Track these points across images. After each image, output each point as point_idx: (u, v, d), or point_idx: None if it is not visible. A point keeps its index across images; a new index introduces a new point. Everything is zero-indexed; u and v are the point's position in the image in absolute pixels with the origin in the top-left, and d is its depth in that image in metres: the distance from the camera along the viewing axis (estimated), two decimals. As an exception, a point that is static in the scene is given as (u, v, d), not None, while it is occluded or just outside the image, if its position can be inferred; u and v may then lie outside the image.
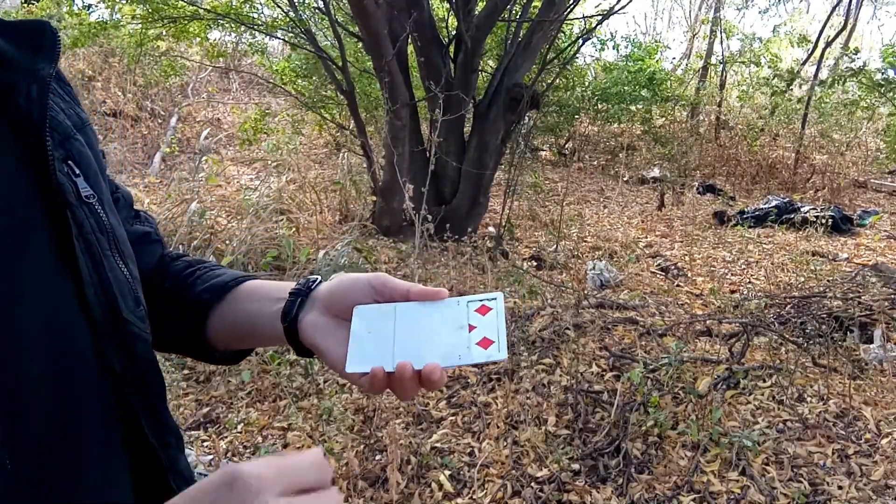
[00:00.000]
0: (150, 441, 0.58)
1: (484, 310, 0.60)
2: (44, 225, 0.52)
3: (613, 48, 10.27)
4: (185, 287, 0.74)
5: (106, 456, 0.54)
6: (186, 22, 6.45)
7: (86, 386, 0.52)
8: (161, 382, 0.62)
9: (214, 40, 9.31)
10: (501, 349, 0.58)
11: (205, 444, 2.63)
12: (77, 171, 0.55)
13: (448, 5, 6.37)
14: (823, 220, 6.15)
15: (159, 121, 8.97)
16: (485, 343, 0.58)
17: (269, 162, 7.25)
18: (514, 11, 5.93)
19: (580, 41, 7.21)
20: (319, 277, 0.69)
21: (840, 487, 2.33)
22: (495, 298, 0.60)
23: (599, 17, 6.40)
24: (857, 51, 9.40)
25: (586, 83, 10.06)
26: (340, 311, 0.63)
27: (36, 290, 0.49)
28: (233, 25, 6.92)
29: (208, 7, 6.43)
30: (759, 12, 17.42)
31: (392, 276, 0.63)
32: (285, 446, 2.63)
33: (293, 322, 0.65)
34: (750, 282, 4.83)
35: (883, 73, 8.56)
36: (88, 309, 0.53)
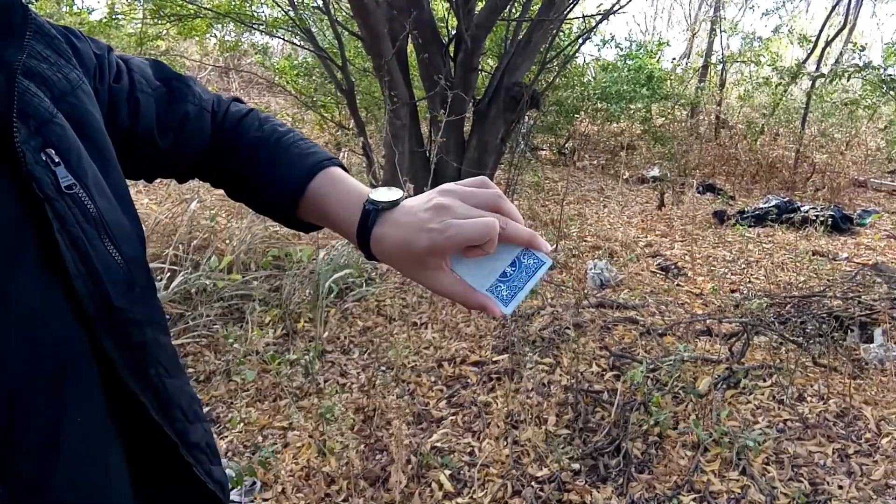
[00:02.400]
0: (155, 420, 0.58)
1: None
2: (26, 221, 0.50)
3: (615, 46, 10.28)
4: (259, 176, 0.72)
5: (101, 444, 0.54)
6: (190, 20, 6.46)
7: (78, 380, 0.52)
8: (161, 360, 0.61)
9: (220, 36, 9.33)
10: (510, 305, 0.60)
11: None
12: (56, 160, 0.53)
13: (448, 4, 6.37)
14: (823, 220, 6.15)
15: (159, 120, 8.96)
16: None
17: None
18: (513, 11, 5.92)
19: (580, 40, 7.21)
20: (370, 252, 0.65)
21: (840, 487, 2.33)
22: (545, 263, 0.62)
23: (599, 17, 6.39)
24: (863, 47, 9.38)
25: (585, 82, 10.06)
26: None
27: (23, 289, 0.49)
28: (233, 24, 6.93)
29: (209, 6, 6.44)
30: (763, 14, 17.41)
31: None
32: (285, 446, 2.63)
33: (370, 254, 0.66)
34: (750, 281, 4.83)
35: (885, 71, 8.55)
36: (79, 302, 0.52)
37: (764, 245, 5.87)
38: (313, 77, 7.90)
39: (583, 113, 9.98)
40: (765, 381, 3.04)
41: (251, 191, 0.74)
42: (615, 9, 5.85)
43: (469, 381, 3.15)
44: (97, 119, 0.61)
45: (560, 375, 3.10)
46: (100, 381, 0.54)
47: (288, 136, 0.74)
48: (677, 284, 4.67)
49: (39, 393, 0.49)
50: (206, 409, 2.92)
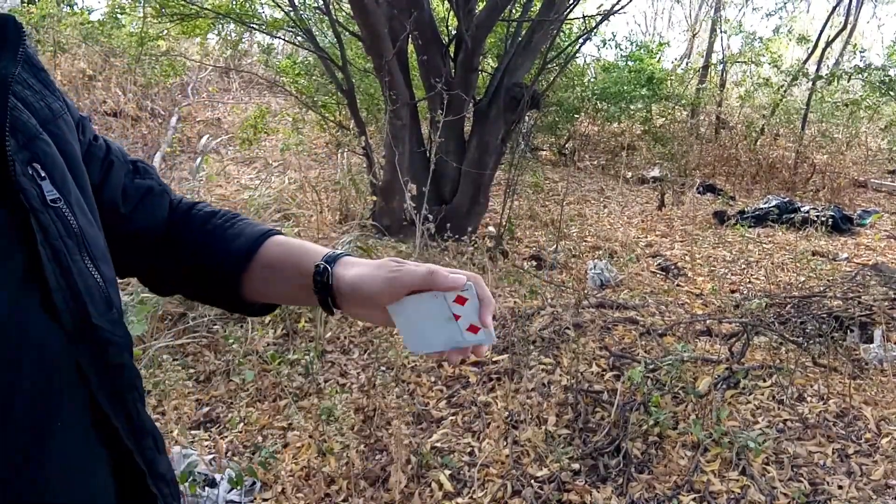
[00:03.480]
0: (126, 445, 0.57)
1: (461, 300, 0.64)
2: (9, 232, 0.51)
3: (616, 47, 10.27)
4: (213, 241, 0.76)
5: (83, 462, 0.54)
6: (192, 19, 6.45)
7: (59, 394, 0.52)
8: (137, 386, 0.61)
9: (223, 34, 9.33)
10: (489, 333, 0.64)
11: (206, 443, 2.63)
12: (42, 174, 0.54)
13: (448, 4, 6.37)
14: (823, 220, 6.15)
15: (159, 120, 8.96)
16: (473, 329, 0.64)
17: (271, 162, 7.25)
18: (514, 11, 5.92)
19: (580, 41, 7.20)
20: (329, 269, 0.71)
21: (840, 487, 2.33)
22: (467, 289, 0.64)
23: (599, 17, 6.38)
24: (863, 49, 9.41)
25: (586, 82, 10.05)
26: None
27: (3, 299, 0.49)
28: (234, 25, 6.93)
29: (210, 6, 6.44)
30: (766, 15, 17.37)
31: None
32: (285, 446, 2.63)
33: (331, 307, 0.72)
34: (750, 281, 4.83)
35: (885, 73, 8.55)
36: (57, 316, 0.52)
37: (764, 245, 5.87)
38: (314, 77, 7.89)
39: (583, 113, 9.97)
40: (765, 381, 3.05)
41: (203, 271, 0.76)
42: (615, 9, 5.85)
43: (469, 381, 3.15)
44: (76, 151, 0.62)
45: (560, 375, 3.10)
46: (82, 393, 0.54)
47: (235, 216, 0.80)
48: (677, 285, 4.67)
49: (36, 393, 0.49)
50: (205, 409, 2.93)
